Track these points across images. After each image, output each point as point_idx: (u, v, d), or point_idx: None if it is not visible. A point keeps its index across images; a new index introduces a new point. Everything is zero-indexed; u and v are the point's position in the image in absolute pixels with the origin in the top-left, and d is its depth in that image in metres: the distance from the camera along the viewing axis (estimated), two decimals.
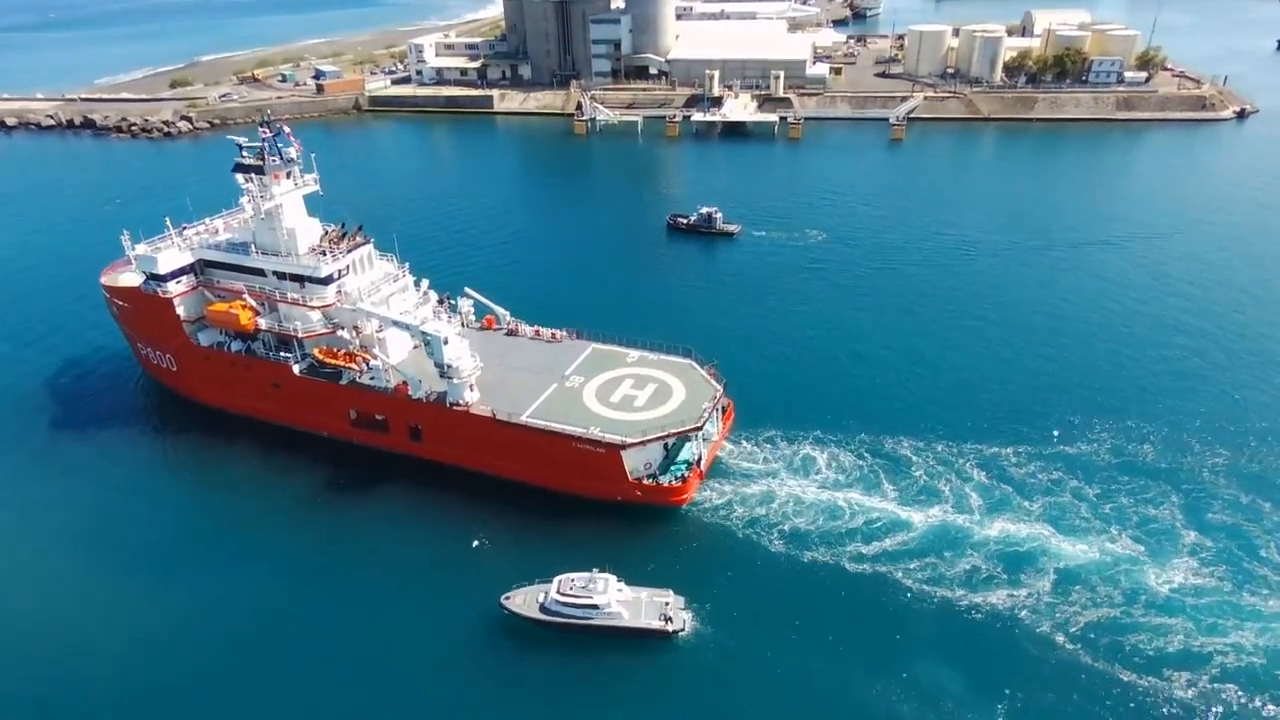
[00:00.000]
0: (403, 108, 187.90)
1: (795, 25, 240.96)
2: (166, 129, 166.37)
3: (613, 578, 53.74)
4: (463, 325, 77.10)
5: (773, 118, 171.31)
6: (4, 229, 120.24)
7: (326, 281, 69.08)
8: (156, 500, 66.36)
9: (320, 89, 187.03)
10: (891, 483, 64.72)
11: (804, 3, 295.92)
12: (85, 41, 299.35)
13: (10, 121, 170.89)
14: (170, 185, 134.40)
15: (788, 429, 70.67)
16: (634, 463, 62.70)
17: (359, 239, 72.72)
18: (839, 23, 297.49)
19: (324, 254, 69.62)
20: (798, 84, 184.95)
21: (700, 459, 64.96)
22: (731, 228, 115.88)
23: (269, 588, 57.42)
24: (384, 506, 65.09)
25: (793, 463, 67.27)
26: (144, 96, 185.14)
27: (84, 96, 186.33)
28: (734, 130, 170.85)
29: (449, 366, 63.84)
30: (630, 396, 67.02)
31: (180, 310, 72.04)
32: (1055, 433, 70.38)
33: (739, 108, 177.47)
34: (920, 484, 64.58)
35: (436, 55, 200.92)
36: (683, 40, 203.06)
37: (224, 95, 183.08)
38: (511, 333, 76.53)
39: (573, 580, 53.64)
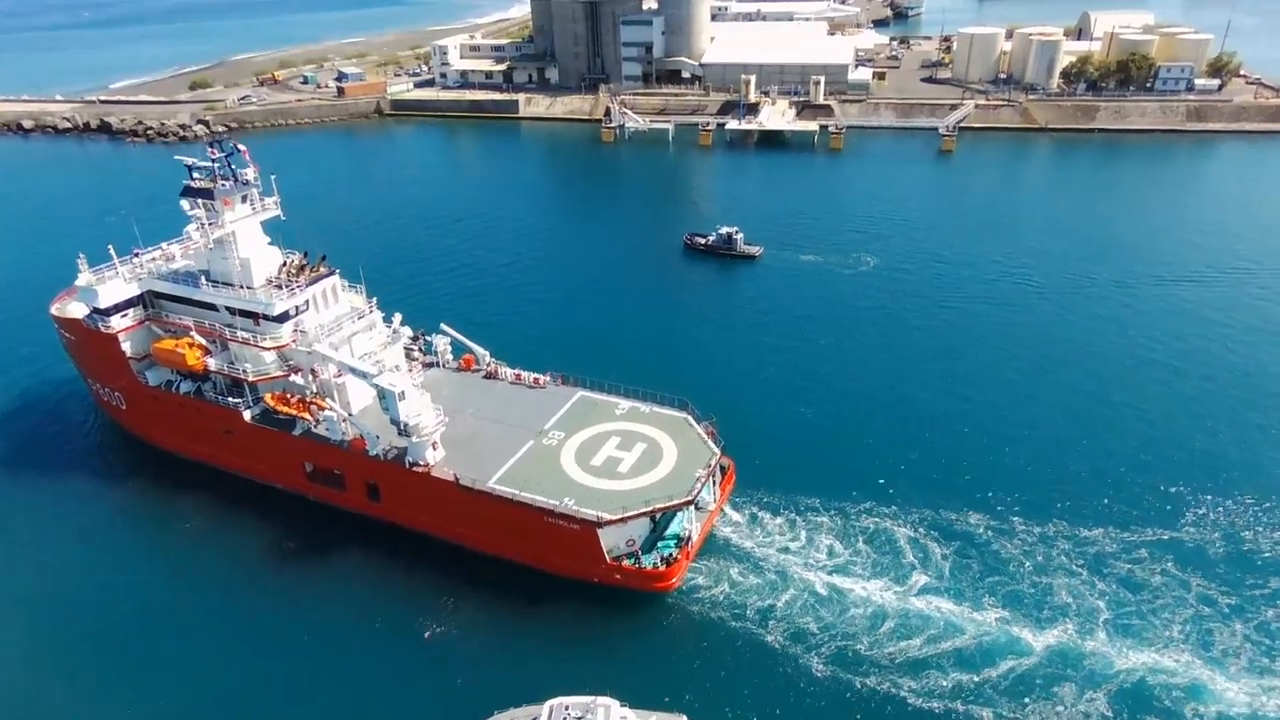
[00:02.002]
0: (424, 112, 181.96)
1: (834, 26, 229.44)
2: (182, 133, 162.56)
3: (615, 703, 44.56)
4: (439, 365, 69.89)
5: (813, 126, 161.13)
6: None
7: (281, 319, 61.76)
8: (94, 563, 59.20)
9: (341, 92, 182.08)
10: (980, 581, 53.57)
11: (843, 2, 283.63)
12: (116, 41, 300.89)
13: (28, 124, 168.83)
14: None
15: (828, 497, 60.86)
16: (612, 540, 54.15)
17: (323, 270, 65.38)
18: (879, 23, 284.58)
19: (280, 287, 62.42)
20: (839, 90, 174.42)
21: (691, 536, 56.29)
22: (753, 250, 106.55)
23: (204, 687, 49.75)
24: (341, 581, 56.86)
25: (845, 541, 57.12)
26: (162, 99, 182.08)
27: (103, 99, 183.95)
28: (771, 139, 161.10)
29: (406, 424, 56.05)
30: (614, 459, 58.46)
31: (126, 346, 65.51)
32: (1151, 511, 59.61)
33: (776, 115, 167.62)
34: (1026, 587, 53.07)
35: (461, 57, 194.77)
36: (718, 43, 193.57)
37: (243, 98, 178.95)
38: (490, 375, 68.58)
39: (567, 708, 44.77)
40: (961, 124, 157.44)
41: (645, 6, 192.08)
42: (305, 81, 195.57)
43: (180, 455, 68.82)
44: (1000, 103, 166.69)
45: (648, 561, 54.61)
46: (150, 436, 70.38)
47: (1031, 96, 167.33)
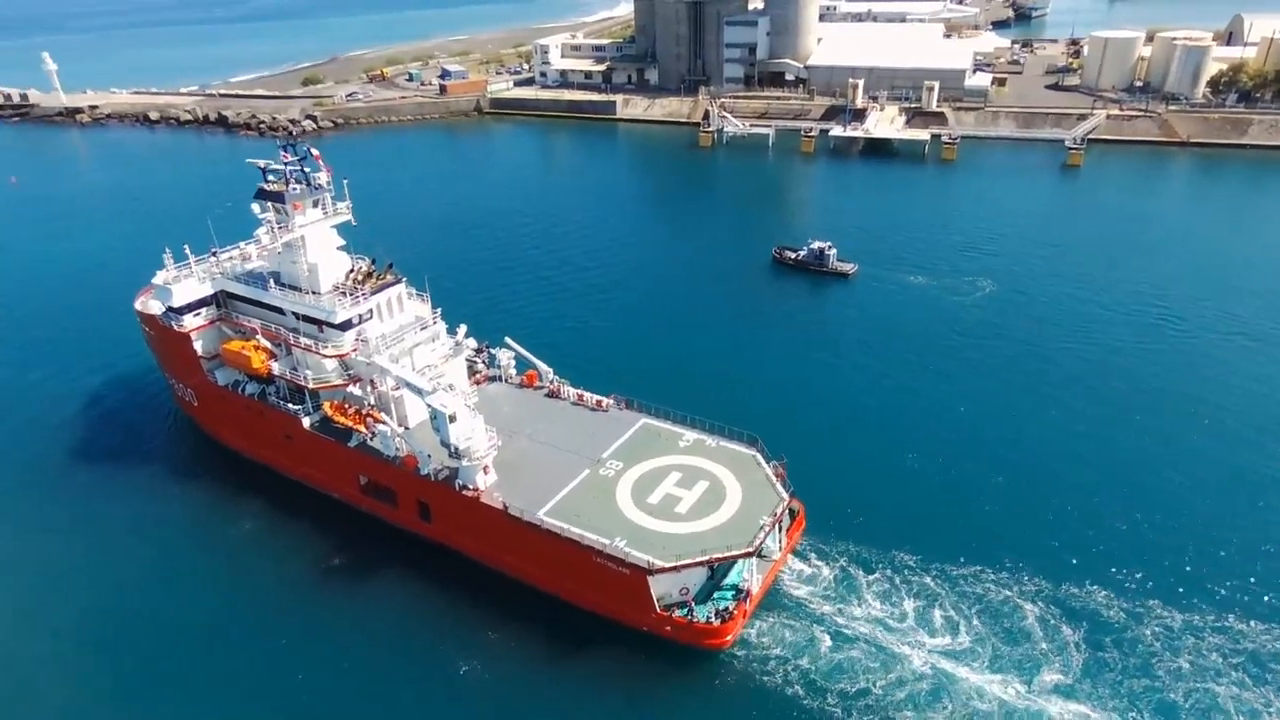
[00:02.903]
0: (523, 111, 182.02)
1: (950, 28, 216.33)
2: (291, 128, 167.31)
3: None
4: (502, 380, 67.43)
5: (924, 135, 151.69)
6: (104, 231, 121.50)
7: (344, 327, 60.46)
8: (145, 559, 59.54)
9: (443, 90, 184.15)
10: (1122, 682, 45.70)
11: (960, 2, 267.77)
12: (243, 35, 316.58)
13: (154, 115, 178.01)
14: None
15: (930, 557, 54.77)
16: (664, 588, 50.13)
17: (389, 277, 63.79)
18: (999, 25, 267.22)
19: (345, 294, 61.13)
20: (954, 96, 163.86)
21: (751, 588, 51.53)
22: (846, 267, 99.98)
23: (225, 693, 48.94)
24: (383, 600, 54.91)
25: (956, 613, 50.51)
26: (276, 94, 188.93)
27: (222, 92, 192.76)
28: (877, 148, 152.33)
29: (457, 448, 53.55)
30: (673, 497, 54.26)
31: (197, 345, 65.87)
32: None
33: (884, 122, 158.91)
34: (1179, 695, 44.81)
35: (562, 57, 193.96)
36: (825, 44, 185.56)
37: (350, 95, 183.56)
38: (552, 394, 65.53)
39: None
40: (1090, 136, 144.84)
41: (751, 6, 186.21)
42: (410, 79, 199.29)
43: (245, 456, 68.94)
44: (1136, 113, 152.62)
45: (701, 614, 50.27)
46: (219, 435, 70.82)
47: (1173, 107, 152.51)
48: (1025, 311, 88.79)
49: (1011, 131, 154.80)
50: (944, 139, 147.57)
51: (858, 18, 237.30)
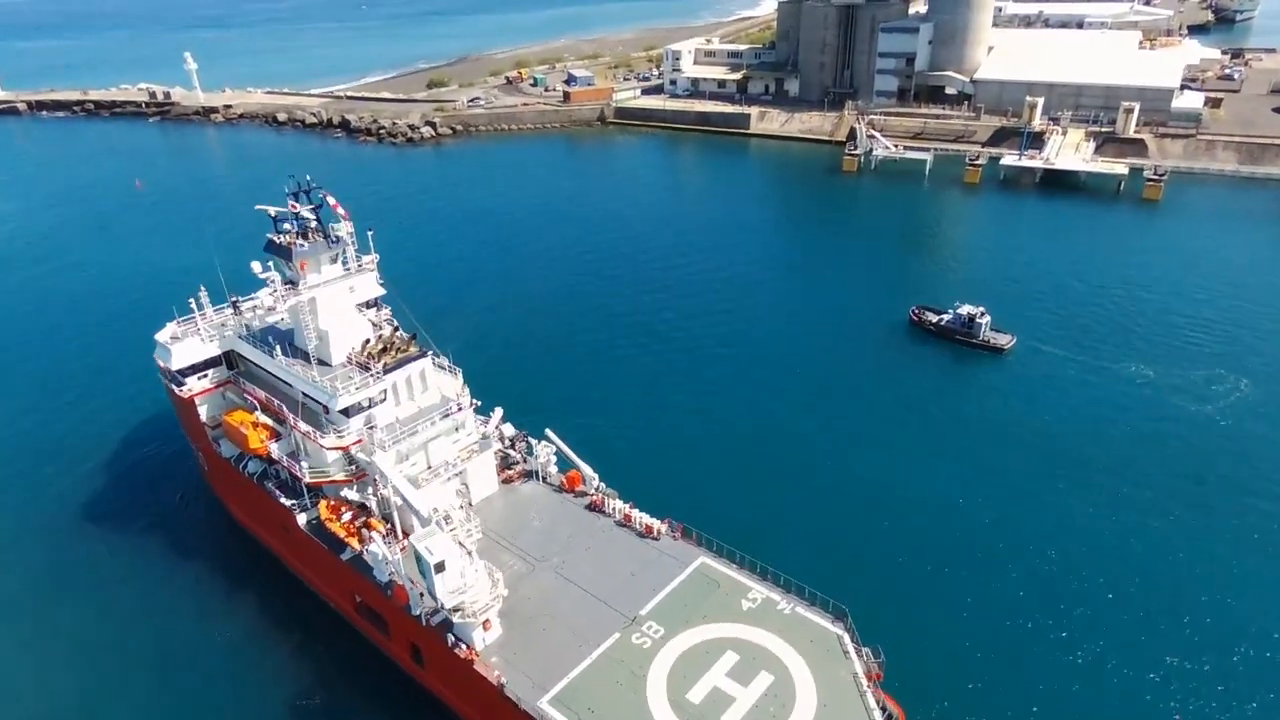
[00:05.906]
0: (648, 122, 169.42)
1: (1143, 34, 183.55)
2: (410, 134, 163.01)
3: None
4: (539, 478, 54.89)
5: (1120, 168, 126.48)
6: (198, 245, 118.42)
7: (348, 413, 49.55)
8: (125, 659, 51.70)
9: (566, 97, 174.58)
10: None
11: (1147, 3, 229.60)
12: (380, 35, 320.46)
13: (281, 117, 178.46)
14: (384, 202, 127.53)
15: None
16: None
17: (413, 349, 52.50)
18: (1195, 29, 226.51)
19: (356, 371, 50.32)
20: (1157, 120, 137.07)
21: None
22: (1001, 340, 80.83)
23: None
24: None
25: None
26: (400, 97, 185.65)
27: (349, 94, 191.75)
28: (1058, 181, 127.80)
29: (443, 606, 41.39)
30: (723, 696, 39.78)
31: (202, 411, 57.34)
32: None
33: (1069, 150, 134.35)
34: None
35: (694, 63, 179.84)
36: (996, 54, 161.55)
37: (472, 100, 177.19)
38: (595, 507, 52.17)
39: None
40: None
41: (912, 10, 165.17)
42: (535, 84, 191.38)
43: (251, 534, 60.19)
44: None
45: None
46: (227, 505, 62.52)
47: None
48: (1235, 421, 67.04)
49: (1233, 166, 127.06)
50: (1148, 174, 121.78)
51: (1026, 21, 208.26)
